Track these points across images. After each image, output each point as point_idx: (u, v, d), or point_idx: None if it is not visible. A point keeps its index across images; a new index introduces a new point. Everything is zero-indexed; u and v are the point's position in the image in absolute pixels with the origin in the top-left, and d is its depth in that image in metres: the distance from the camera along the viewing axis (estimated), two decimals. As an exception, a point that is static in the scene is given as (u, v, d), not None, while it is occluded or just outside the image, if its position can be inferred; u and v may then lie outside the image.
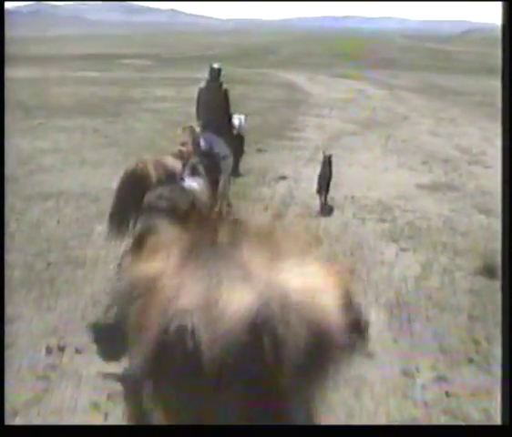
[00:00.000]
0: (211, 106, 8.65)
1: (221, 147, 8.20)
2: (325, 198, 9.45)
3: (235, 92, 26.37)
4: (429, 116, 20.64)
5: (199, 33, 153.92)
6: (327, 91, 28.00)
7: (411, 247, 7.74)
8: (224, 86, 8.88)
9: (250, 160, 11.26)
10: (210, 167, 7.07)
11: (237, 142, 8.97)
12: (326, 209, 9.26)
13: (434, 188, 10.80)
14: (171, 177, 6.19)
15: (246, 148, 9.93)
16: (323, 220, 8.79)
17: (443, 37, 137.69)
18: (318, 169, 9.86)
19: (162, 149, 8.57)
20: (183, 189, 5.87)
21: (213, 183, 7.09)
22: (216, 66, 9.07)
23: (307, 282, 1.07)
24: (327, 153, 10.00)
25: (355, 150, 14.27)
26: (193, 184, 6.13)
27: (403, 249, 7.64)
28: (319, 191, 9.46)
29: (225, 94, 8.88)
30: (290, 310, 1.02)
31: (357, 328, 1.16)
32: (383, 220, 8.77)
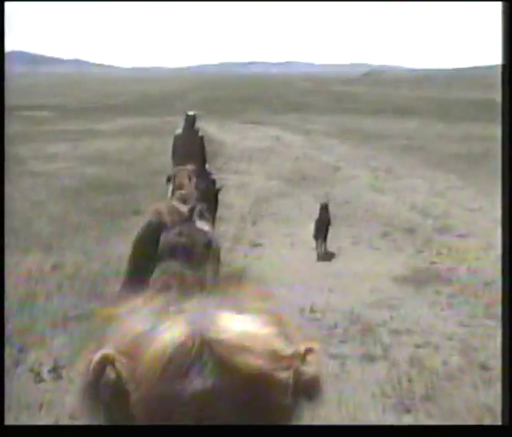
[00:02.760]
0: (188, 153, 8.63)
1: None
2: (325, 246, 9.11)
3: (139, 145, 23.34)
4: (361, 167, 17.97)
5: (103, 81, 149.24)
6: (241, 140, 25.01)
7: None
8: (200, 133, 9.26)
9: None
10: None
11: (210, 194, 8.37)
12: (326, 256, 8.87)
13: (417, 280, 7.70)
14: (184, 220, 5.73)
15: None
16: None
17: (344, 80, 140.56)
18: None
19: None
20: (199, 229, 5.61)
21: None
22: (191, 113, 9.40)
23: (248, 327, 0.83)
24: (323, 201, 9.87)
25: (292, 221, 11.12)
26: (205, 227, 5.89)
27: None
28: (316, 237, 9.17)
29: (201, 141, 9.22)
30: (226, 345, 0.79)
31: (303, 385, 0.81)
32: (370, 359, 5.42)
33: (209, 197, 7.93)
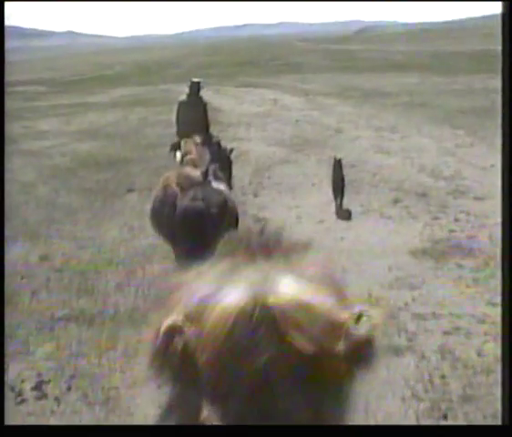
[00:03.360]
0: (192, 120, 8.66)
1: None
2: (341, 203, 9.11)
3: (133, 117, 22.53)
4: (365, 127, 17.19)
5: (97, 52, 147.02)
6: (238, 104, 24.18)
7: None
8: (204, 99, 9.28)
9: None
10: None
11: (223, 155, 7.89)
12: (344, 214, 8.90)
13: (437, 253, 7.05)
14: (197, 184, 5.95)
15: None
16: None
17: (339, 38, 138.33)
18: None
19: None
20: (214, 190, 5.73)
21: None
22: (196, 80, 9.40)
23: (306, 292, 0.84)
24: (337, 156, 9.78)
25: (296, 189, 10.44)
26: (220, 186, 5.96)
27: None
28: (334, 196, 9.19)
29: (204, 108, 9.19)
30: (289, 308, 0.82)
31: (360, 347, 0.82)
32: (395, 352, 4.77)
33: (222, 159, 7.60)
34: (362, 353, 0.81)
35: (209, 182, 6.01)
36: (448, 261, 6.68)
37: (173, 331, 0.80)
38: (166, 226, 5.89)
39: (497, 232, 7.64)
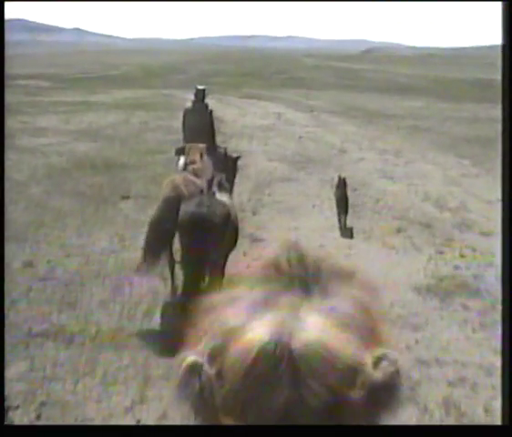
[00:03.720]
0: (198, 127, 8.70)
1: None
2: (345, 221, 9.15)
3: (134, 120, 22.17)
4: (368, 149, 16.89)
5: (103, 52, 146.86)
6: (241, 116, 23.87)
7: None
8: (209, 107, 9.38)
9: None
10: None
11: (229, 162, 7.97)
12: (347, 232, 8.93)
13: (441, 290, 6.68)
14: (202, 192, 6.04)
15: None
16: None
17: (345, 56, 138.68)
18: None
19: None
20: (218, 201, 5.77)
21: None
22: (201, 87, 9.52)
23: (331, 338, 0.83)
24: (342, 175, 9.84)
25: (296, 209, 10.12)
26: (223, 197, 6.02)
27: None
28: (338, 213, 9.26)
29: (210, 115, 9.23)
30: (311, 350, 0.81)
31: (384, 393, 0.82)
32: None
33: (227, 166, 7.65)
34: (380, 398, 0.78)
35: (214, 193, 6.00)
36: (454, 301, 6.33)
37: (192, 370, 0.81)
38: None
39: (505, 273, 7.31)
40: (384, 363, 0.80)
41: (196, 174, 6.93)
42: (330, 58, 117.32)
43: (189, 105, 9.35)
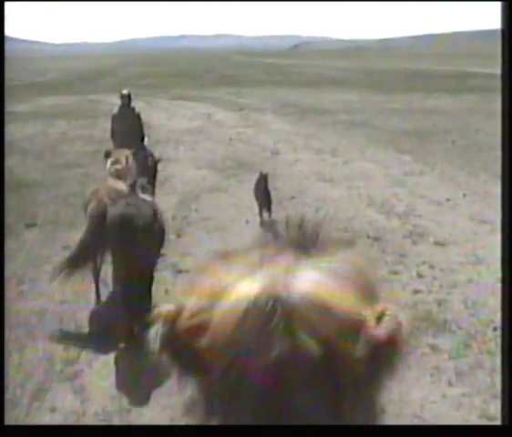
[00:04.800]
0: (126, 132, 8.84)
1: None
2: (269, 211, 8.83)
3: (52, 130, 20.27)
4: (303, 148, 15.80)
5: (29, 58, 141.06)
6: (169, 119, 22.39)
7: None
8: (137, 111, 9.59)
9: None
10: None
11: (152, 165, 7.98)
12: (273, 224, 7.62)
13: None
14: (125, 195, 6.04)
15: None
16: None
17: (275, 52, 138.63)
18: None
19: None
20: (144, 200, 5.85)
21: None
22: (125, 91, 9.63)
23: (325, 285, 0.80)
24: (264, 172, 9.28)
25: (227, 226, 8.87)
26: (148, 199, 6.04)
27: None
28: (260, 213, 8.88)
29: (138, 118, 9.45)
30: (304, 302, 0.78)
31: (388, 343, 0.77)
32: None
33: (149, 168, 7.74)
34: (383, 355, 0.76)
35: (137, 195, 6.00)
36: (420, 341, 5.16)
37: (165, 321, 0.79)
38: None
39: (472, 295, 6.24)
40: (387, 319, 0.74)
41: (119, 176, 6.94)
42: (260, 55, 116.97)
43: (115, 111, 9.45)
